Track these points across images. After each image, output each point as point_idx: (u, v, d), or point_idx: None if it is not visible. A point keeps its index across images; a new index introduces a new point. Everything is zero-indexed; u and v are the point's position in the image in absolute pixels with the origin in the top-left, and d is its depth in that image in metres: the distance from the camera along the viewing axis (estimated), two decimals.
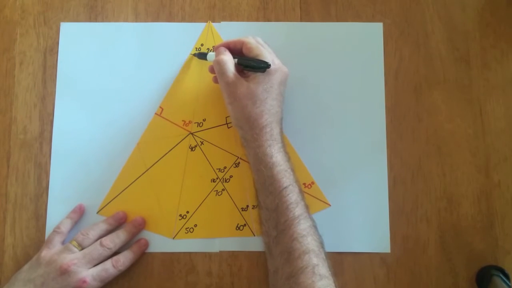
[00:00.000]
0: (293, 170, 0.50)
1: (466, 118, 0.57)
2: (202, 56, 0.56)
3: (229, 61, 0.51)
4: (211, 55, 0.55)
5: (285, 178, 0.48)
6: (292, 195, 0.48)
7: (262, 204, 0.50)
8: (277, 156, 0.49)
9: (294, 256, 0.45)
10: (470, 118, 0.57)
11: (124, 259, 0.52)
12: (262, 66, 0.50)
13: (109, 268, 0.51)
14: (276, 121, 0.51)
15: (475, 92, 0.58)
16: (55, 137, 0.56)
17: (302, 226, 0.47)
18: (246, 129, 0.51)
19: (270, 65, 0.50)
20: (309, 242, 0.46)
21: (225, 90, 0.51)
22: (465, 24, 0.59)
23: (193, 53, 0.58)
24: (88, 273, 0.49)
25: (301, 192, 0.49)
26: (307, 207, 0.49)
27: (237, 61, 0.51)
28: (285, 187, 0.48)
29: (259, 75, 0.51)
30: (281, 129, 0.52)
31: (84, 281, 0.49)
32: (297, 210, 0.47)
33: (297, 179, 0.50)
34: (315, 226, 0.48)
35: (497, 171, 0.56)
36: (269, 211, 0.48)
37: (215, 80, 0.55)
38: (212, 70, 0.55)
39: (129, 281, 0.54)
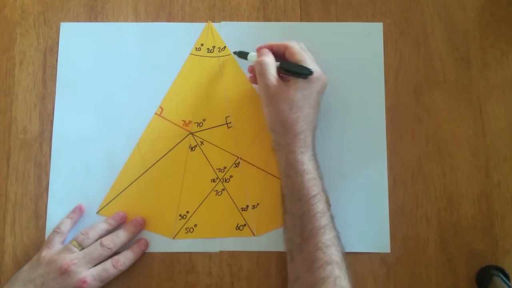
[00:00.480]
0: (322, 179, 0.50)
1: (466, 118, 0.57)
2: (242, 55, 0.56)
3: (271, 63, 0.51)
4: (252, 56, 0.54)
5: (315, 186, 0.48)
6: (320, 204, 0.48)
7: (288, 209, 0.50)
8: (308, 164, 0.49)
9: (317, 266, 0.45)
10: (470, 118, 0.57)
11: (124, 259, 0.52)
12: (304, 73, 0.50)
13: (109, 268, 0.51)
14: (310, 129, 0.51)
15: (475, 92, 0.58)
16: (55, 137, 0.56)
17: (327, 236, 0.47)
18: (280, 133, 0.50)
19: (312, 72, 0.50)
20: (332, 253, 0.46)
21: (263, 92, 0.51)
22: (465, 24, 0.59)
23: (193, 53, 0.58)
24: (88, 273, 0.49)
25: (328, 202, 0.49)
26: (332, 217, 0.49)
27: (280, 64, 0.51)
28: (314, 195, 0.48)
29: (299, 81, 0.50)
30: (314, 137, 0.51)
31: (84, 281, 0.49)
32: (324, 219, 0.47)
33: (325, 188, 0.50)
34: (339, 238, 0.48)
35: (497, 171, 0.56)
36: (294, 217, 0.48)
37: (252, 80, 0.55)
38: (251, 70, 0.54)
39: (129, 281, 0.54)
